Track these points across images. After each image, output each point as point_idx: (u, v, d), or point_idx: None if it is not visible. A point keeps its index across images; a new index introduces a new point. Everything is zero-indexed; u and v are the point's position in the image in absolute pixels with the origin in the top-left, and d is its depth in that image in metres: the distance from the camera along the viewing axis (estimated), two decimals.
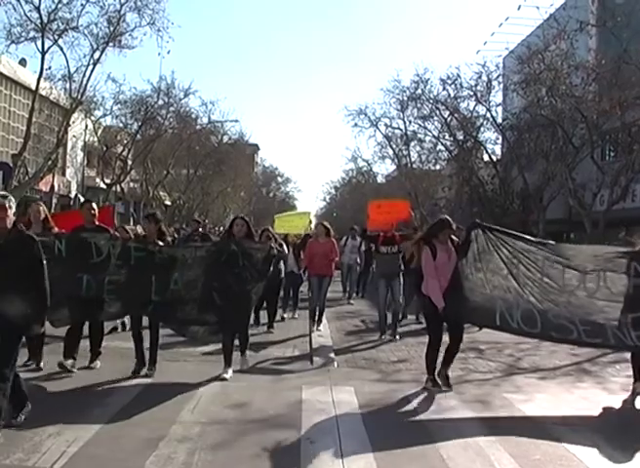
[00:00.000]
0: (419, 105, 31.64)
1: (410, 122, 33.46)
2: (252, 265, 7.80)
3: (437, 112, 31.07)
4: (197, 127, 37.69)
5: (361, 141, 75.85)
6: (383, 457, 5.25)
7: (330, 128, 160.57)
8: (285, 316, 13.30)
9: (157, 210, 38.38)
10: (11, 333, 5.16)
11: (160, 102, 33.08)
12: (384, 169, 50.36)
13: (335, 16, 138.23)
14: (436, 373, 7.54)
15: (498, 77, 28.82)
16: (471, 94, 29.03)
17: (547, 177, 25.98)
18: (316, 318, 11.90)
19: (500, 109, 30.68)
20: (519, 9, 27.61)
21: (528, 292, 7.29)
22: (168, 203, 41.49)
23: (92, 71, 25.40)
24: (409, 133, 34.29)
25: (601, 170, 22.90)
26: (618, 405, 7.20)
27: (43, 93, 25.90)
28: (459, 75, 28.76)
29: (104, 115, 32.75)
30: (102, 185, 34.81)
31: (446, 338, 7.66)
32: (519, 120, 27.62)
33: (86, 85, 25.82)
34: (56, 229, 8.10)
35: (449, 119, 30.83)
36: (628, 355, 9.29)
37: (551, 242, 8.16)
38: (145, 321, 7.98)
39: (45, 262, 5.46)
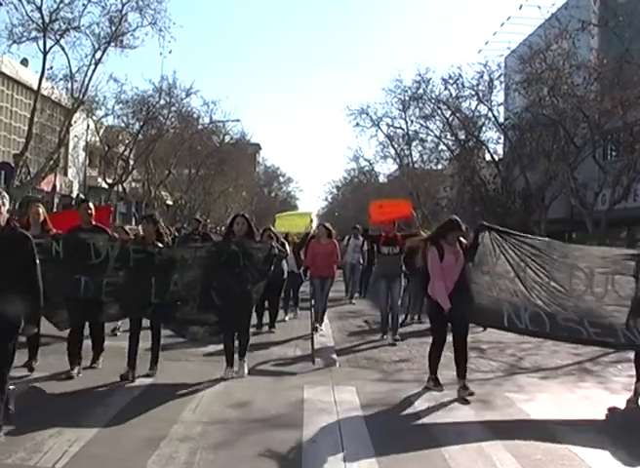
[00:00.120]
0: (420, 105, 31.68)
1: (412, 121, 33.54)
2: (252, 265, 7.70)
3: (439, 112, 31.09)
4: (199, 127, 37.76)
5: (363, 141, 75.99)
6: (385, 457, 5.25)
7: (331, 127, 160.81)
8: (287, 318, 13.18)
9: (159, 209, 38.48)
10: (3, 333, 5.06)
11: (162, 102, 33.20)
12: (386, 168, 50.49)
13: (335, 16, 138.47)
14: (459, 387, 7.25)
15: (499, 76, 28.87)
16: (473, 93, 29.07)
17: (549, 177, 25.98)
18: (318, 317, 11.82)
19: (501, 109, 30.72)
20: (521, 8, 27.62)
21: (535, 295, 7.19)
22: (170, 203, 41.53)
23: (93, 71, 25.52)
24: (411, 132, 34.36)
25: (603, 169, 22.89)
26: (620, 404, 7.18)
27: (45, 92, 25.93)
28: (460, 75, 28.83)
29: (106, 115, 32.88)
30: (104, 185, 34.86)
31: (449, 338, 7.61)
32: (521, 119, 27.64)
33: (88, 85, 25.92)
34: (54, 231, 7.99)
35: (451, 119, 30.84)
36: (630, 355, 9.29)
37: (558, 242, 8.11)
38: (145, 321, 7.91)
39: (39, 262, 5.39)
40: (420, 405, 6.93)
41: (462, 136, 31.42)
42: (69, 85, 25.88)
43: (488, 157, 32.16)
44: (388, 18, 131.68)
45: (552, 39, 23.13)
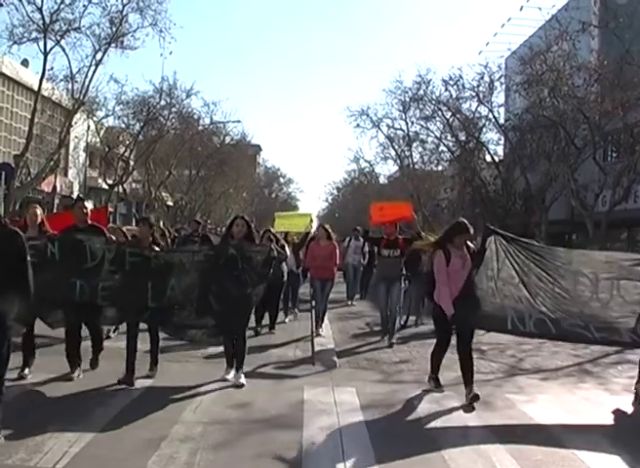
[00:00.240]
0: (421, 106, 31.71)
1: (412, 123, 33.58)
2: (251, 268, 7.53)
3: (439, 113, 31.11)
4: (199, 127, 37.77)
5: (363, 142, 75.92)
6: (385, 458, 5.24)
7: (332, 128, 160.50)
8: (287, 320, 13.12)
9: (159, 210, 38.56)
10: None
11: (162, 103, 33.19)
12: (387, 169, 50.44)
13: (335, 16, 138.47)
14: (465, 394, 7.01)
15: (500, 78, 28.88)
16: (473, 94, 29.09)
17: (550, 178, 26.00)
18: (319, 320, 11.67)
19: (502, 110, 30.75)
20: (521, 9, 27.64)
21: (540, 302, 7.12)
22: (170, 203, 41.54)
23: (94, 72, 25.56)
24: (411, 133, 34.40)
25: (603, 171, 22.91)
26: (620, 405, 7.19)
27: (45, 93, 25.95)
28: (461, 76, 28.87)
29: (107, 116, 32.90)
30: (105, 186, 34.87)
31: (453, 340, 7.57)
32: (521, 121, 27.66)
33: (88, 85, 25.96)
34: (51, 231, 7.85)
35: (451, 120, 30.86)
36: (631, 356, 9.30)
37: (561, 248, 8.09)
38: (143, 324, 7.81)
39: (32, 262, 5.37)
40: (420, 406, 6.93)
41: (463, 138, 31.45)
42: (70, 86, 25.95)
43: (488, 158, 32.18)
44: (388, 18, 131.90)
45: (553, 40, 23.16)
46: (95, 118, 32.18)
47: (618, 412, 6.95)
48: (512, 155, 29.23)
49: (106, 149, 33.66)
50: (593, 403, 7.32)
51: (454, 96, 29.70)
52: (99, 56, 24.85)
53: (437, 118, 31.69)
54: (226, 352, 7.87)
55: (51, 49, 23.39)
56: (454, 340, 7.29)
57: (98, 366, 7.96)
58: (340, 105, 64.30)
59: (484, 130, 31.22)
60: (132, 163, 34.74)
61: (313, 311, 11.93)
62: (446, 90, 29.75)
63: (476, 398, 6.77)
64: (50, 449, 5.10)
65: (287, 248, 10.88)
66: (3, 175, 22.29)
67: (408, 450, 5.50)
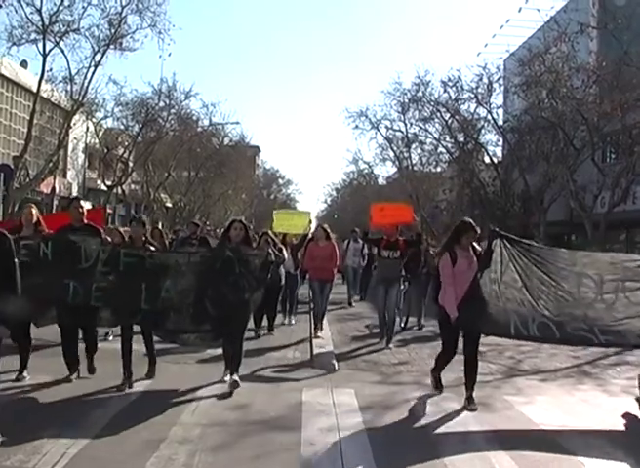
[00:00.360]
0: (419, 107, 31.66)
1: (411, 124, 33.49)
2: (249, 272, 7.35)
3: (438, 114, 31.09)
4: (198, 129, 37.74)
5: (362, 143, 76.30)
6: (384, 459, 5.25)
7: (331, 129, 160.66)
8: (285, 322, 13.07)
9: (158, 212, 38.56)
10: None
11: (161, 104, 33.20)
12: (385, 171, 50.32)
13: (335, 16, 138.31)
14: (465, 398, 7.00)
15: (498, 79, 28.87)
16: (472, 96, 29.07)
17: (548, 180, 26.00)
18: (317, 322, 11.62)
19: (500, 111, 30.73)
20: (520, 11, 27.55)
21: (542, 305, 7.07)
22: (169, 205, 41.54)
23: (93, 73, 25.55)
24: (410, 135, 34.32)
25: (602, 172, 22.92)
26: (618, 407, 7.19)
27: (44, 95, 25.96)
28: (459, 77, 28.83)
29: (105, 117, 32.88)
30: (103, 187, 34.88)
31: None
32: (520, 122, 27.65)
33: (87, 87, 25.95)
34: (47, 231, 7.77)
35: (450, 121, 30.84)
36: (630, 357, 9.32)
37: (564, 250, 8.06)
38: (137, 326, 7.76)
39: (17, 262, 5.34)
40: (418, 407, 6.94)
41: (462, 139, 31.43)
42: (69, 87, 25.95)
43: (487, 160, 32.17)
44: (388, 18, 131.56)
45: (551, 42, 23.16)
46: (94, 119, 32.18)
47: (616, 414, 6.95)
48: (511, 156, 29.23)
49: (105, 150, 33.64)
50: (592, 404, 7.33)
51: (452, 97, 29.71)
52: (97, 57, 24.88)
53: (436, 119, 31.67)
54: (225, 354, 7.76)
55: (50, 50, 23.43)
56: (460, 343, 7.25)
57: (95, 371, 7.77)
58: (340, 106, 64.57)
59: (483, 131, 31.22)
60: (131, 164, 34.73)
61: (312, 313, 11.96)
62: (445, 91, 29.75)
63: (474, 409, 6.79)
64: (48, 451, 5.09)
65: (284, 251, 10.78)
66: (2, 177, 22.29)
67: (406, 452, 5.52)
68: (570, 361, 9.66)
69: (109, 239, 8.28)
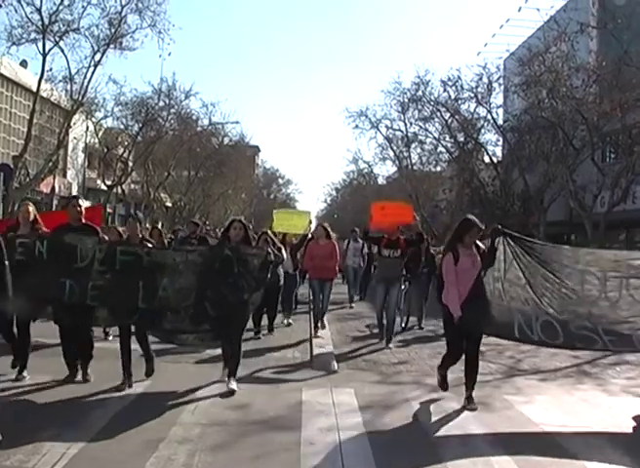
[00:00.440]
0: (419, 107, 31.70)
1: (410, 124, 33.56)
2: (248, 272, 7.24)
3: (438, 114, 31.13)
4: (198, 128, 37.75)
5: (362, 143, 76.30)
6: (383, 459, 5.25)
7: (330, 129, 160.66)
8: (284, 322, 12.96)
9: (158, 211, 38.55)
10: None
11: (161, 104, 33.22)
12: (385, 170, 50.44)
13: (335, 16, 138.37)
14: (465, 397, 6.97)
15: (498, 79, 28.93)
16: (472, 95, 29.11)
17: (548, 179, 26.02)
18: (317, 322, 11.58)
19: (500, 111, 30.77)
20: (519, 10, 27.57)
21: (546, 303, 7.00)
22: (169, 204, 41.55)
23: (93, 73, 25.55)
24: (409, 134, 34.37)
25: (601, 171, 22.93)
26: (618, 407, 7.20)
27: (44, 94, 25.96)
28: (459, 77, 28.89)
29: (105, 117, 32.89)
30: (103, 187, 34.89)
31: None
32: (520, 122, 27.67)
33: (87, 86, 25.94)
34: (45, 230, 7.67)
35: (449, 121, 30.87)
36: (629, 357, 9.32)
37: (568, 247, 8.01)
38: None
39: (7, 263, 5.32)
40: (418, 407, 6.94)
41: (461, 139, 31.46)
42: (69, 87, 25.95)
43: (487, 159, 32.20)
44: (388, 18, 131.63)
45: (551, 41, 23.17)
46: (93, 119, 32.18)
47: (615, 413, 6.95)
48: (511, 156, 29.24)
49: (105, 150, 33.64)
50: (591, 404, 7.33)
51: (452, 97, 29.75)
52: (97, 57, 24.88)
53: (436, 119, 31.72)
54: (224, 355, 7.68)
55: (50, 50, 23.42)
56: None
57: (90, 380, 7.50)
58: (340, 106, 64.54)
59: (482, 131, 31.26)
60: (130, 164, 34.72)
61: (312, 313, 11.93)
62: (444, 91, 29.80)
63: (474, 409, 6.78)
64: (47, 451, 5.10)
65: (284, 250, 10.74)
66: (2, 177, 22.31)
67: (406, 451, 5.52)
68: (569, 360, 9.66)
69: (106, 238, 8.14)
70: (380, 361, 9.42)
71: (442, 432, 6.10)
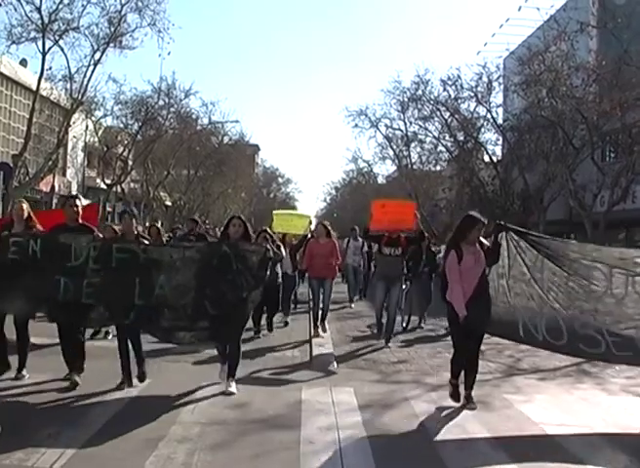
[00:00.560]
0: (419, 106, 31.73)
1: (410, 123, 33.59)
2: (247, 269, 7.08)
3: (438, 113, 31.15)
4: (198, 127, 37.73)
5: (361, 142, 76.18)
6: (383, 458, 5.26)
7: (330, 128, 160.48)
8: (287, 320, 12.84)
9: (158, 210, 38.52)
10: None
11: (161, 103, 33.16)
12: (385, 169, 50.54)
13: (335, 16, 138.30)
14: (463, 397, 6.91)
15: (498, 78, 28.96)
16: (472, 95, 29.13)
17: (548, 178, 26.03)
18: (318, 322, 11.42)
19: (500, 110, 30.80)
20: (519, 10, 27.62)
21: (552, 297, 6.91)
22: (168, 203, 41.52)
23: (92, 72, 25.53)
24: (409, 133, 34.41)
25: (601, 171, 22.93)
26: (617, 406, 7.21)
27: (44, 93, 25.95)
28: (459, 76, 28.92)
29: (105, 116, 32.84)
30: (103, 186, 34.84)
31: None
32: (519, 121, 27.68)
33: (86, 85, 25.93)
34: (40, 228, 7.62)
35: (449, 120, 30.89)
36: None
37: (574, 242, 7.93)
38: None
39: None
40: (417, 405, 6.94)
41: (461, 138, 31.48)
42: (68, 85, 25.92)
43: (487, 158, 32.22)
44: (388, 17, 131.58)
45: (551, 41, 23.18)
46: (93, 118, 32.15)
47: (615, 412, 6.96)
48: (510, 155, 29.25)
49: (105, 149, 33.61)
50: (591, 403, 7.33)
51: (452, 96, 29.76)
52: (97, 55, 24.86)
53: (435, 118, 31.74)
54: (221, 354, 7.61)
55: (49, 48, 23.40)
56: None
57: (78, 382, 7.19)
58: (340, 105, 64.46)
59: (482, 130, 31.29)
60: (130, 163, 34.69)
61: (311, 312, 11.89)
62: (444, 90, 29.83)
63: (473, 409, 6.76)
64: (47, 450, 5.10)
65: (283, 249, 10.66)
66: (1, 175, 22.30)
67: (405, 450, 5.52)
68: (569, 359, 9.61)
69: (100, 236, 7.94)
70: (380, 360, 9.42)
71: (441, 431, 6.09)
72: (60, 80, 25.90)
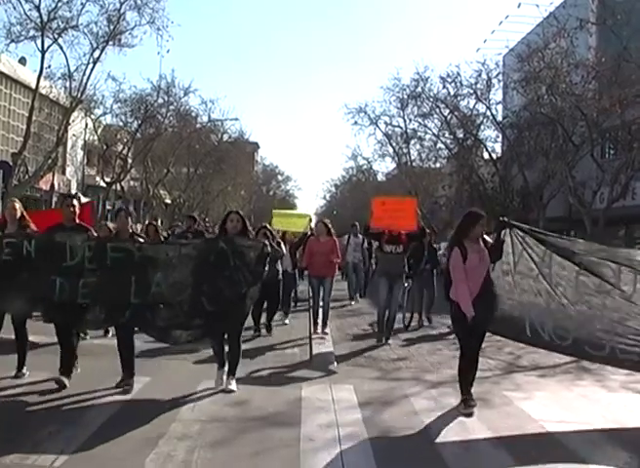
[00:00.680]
0: (419, 103, 31.72)
1: (410, 120, 33.59)
2: (244, 265, 6.94)
3: (437, 110, 31.12)
4: (197, 125, 37.74)
5: (361, 139, 76.37)
6: (383, 455, 5.26)
7: (330, 126, 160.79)
8: (286, 321, 12.73)
9: (157, 208, 38.52)
10: None
11: (160, 101, 33.18)
12: (385, 167, 50.60)
13: (335, 15, 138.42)
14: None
15: (498, 75, 28.92)
16: (471, 92, 29.11)
17: (547, 175, 26.03)
18: (319, 321, 11.36)
19: (500, 107, 30.81)
20: (519, 7, 27.69)
21: (560, 292, 6.79)
22: (168, 201, 41.53)
23: (92, 70, 25.57)
24: (409, 131, 34.40)
25: (601, 168, 22.93)
26: (617, 403, 7.22)
27: (43, 91, 25.96)
28: (459, 73, 28.90)
29: (104, 114, 32.89)
30: (102, 184, 34.87)
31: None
32: (519, 118, 27.67)
33: (86, 83, 25.97)
34: (33, 227, 7.53)
35: (449, 117, 30.87)
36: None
37: (581, 241, 7.87)
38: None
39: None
40: (417, 402, 6.94)
41: (461, 135, 31.45)
42: (67, 84, 25.96)
43: (486, 155, 32.21)
44: (388, 17, 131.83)
45: (550, 38, 23.15)
46: (92, 116, 32.16)
47: (614, 409, 6.96)
48: (510, 152, 29.25)
49: (104, 147, 33.64)
50: (590, 400, 7.34)
51: (451, 93, 29.73)
52: (96, 54, 24.90)
53: (435, 115, 31.72)
54: (216, 355, 7.46)
55: (48, 47, 23.42)
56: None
57: (67, 384, 7.02)
58: (339, 104, 64.47)
59: (482, 127, 31.29)
60: (130, 161, 34.71)
61: (311, 311, 11.87)
62: (444, 87, 29.80)
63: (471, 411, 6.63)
64: (47, 448, 5.10)
65: (283, 246, 10.60)
66: (1, 174, 22.27)
67: (405, 448, 5.53)
68: (569, 357, 9.65)
69: (94, 234, 7.88)
70: (380, 357, 9.43)
71: (441, 428, 6.09)
72: (59, 78, 26.00)
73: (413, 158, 36.22)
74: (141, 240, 7.54)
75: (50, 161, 25.97)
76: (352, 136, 73.63)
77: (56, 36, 23.43)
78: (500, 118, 30.26)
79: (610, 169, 22.79)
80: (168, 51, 31.03)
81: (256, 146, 61.70)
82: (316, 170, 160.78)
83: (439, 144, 33.89)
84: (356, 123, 34.96)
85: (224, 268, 6.95)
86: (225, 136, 41.50)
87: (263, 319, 11.43)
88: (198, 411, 6.33)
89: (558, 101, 23.39)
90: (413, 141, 35.29)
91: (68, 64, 25.10)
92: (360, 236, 16.87)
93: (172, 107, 34.05)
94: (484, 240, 6.85)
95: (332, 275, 11.76)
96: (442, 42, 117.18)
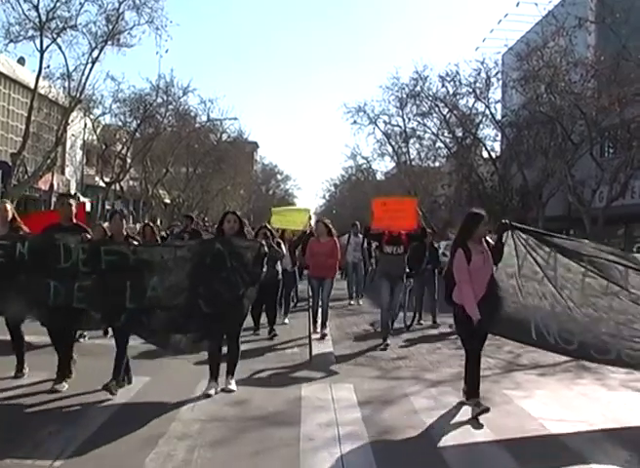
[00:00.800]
0: (418, 102, 31.73)
1: (409, 119, 33.62)
2: (242, 266, 6.85)
3: (436, 109, 31.14)
4: (196, 125, 37.77)
5: (360, 139, 75.92)
6: (383, 454, 5.26)
7: (329, 126, 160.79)
8: (286, 321, 12.57)
9: (157, 208, 38.51)
10: None
11: (159, 101, 33.22)
12: (384, 166, 50.40)
13: (335, 15, 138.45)
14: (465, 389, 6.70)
15: (497, 74, 28.93)
16: (470, 91, 29.13)
17: (547, 174, 26.04)
18: (319, 321, 11.23)
19: (499, 106, 30.82)
20: (518, 6, 27.64)
21: (566, 295, 6.70)
22: (167, 201, 41.54)
23: (90, 70, 25.60)
24: (408, 130, 34.41)
25: (600, 166, 22.94)
26: (617, 401, 7.21)
27: (42, 91, 25.97)
28: (457, 72, 28.92)
29: (103, 113, 32.92)
30: (102, 184, 34.87)
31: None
32: (518, 117, 27.67)
33: (85, 83, 25.99)
34: (25, 229, 7.41)
35: (448, 116, 30.88)
36: None
37: (587, 241, 7.80)
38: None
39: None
40: (417, 401, 6.94)
41: (460, 134, 31.47)
42: (66, 84, 25.98)
43: (485, 154, 32.25)
44: (388, 17, 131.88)
45: (549, 36, 23.16)
46: (91, 116, 32.16)
47: (614, 408, 6.96)
48: (509, 151, 29.26)
49: (103, 147, 33.64)
50: (590, 398, 7.34)
51: (450, 92, 29.76)
52: (95, 53, 24.94)
53: (434, 114, 31.74)
54: (211, 360, 7.17)
55: (47, 47, 23.43)
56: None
57: (61, 389, 6.93)
58: (338, 104, 64.34)
59: (481, 126, 31.32)
60: (129, 160, 34.72)
61: (311, 310, 11.84)
62: (443, 86, 29.83)
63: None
64: (48, 447, 5.10)
65: (283, 245, 10.55)
66: (0, 174, 22.29)
67: (405, 446, 5.53)
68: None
69: (88, 236, 7.55)
70: (380, 356, 9.42)
71: (441, 427, 6.09)
72: (58, 78, 26.04)
73: (412, 157, 36.25)
74: (136, 243, 7.41)
75: (49, 161, 25.98)
76: (351, 135, 73.58)
77: (54, 36, 23.46)
78: (499, 117, 30.31)
79: (609, 167, 22.80)
80: (167, 50, 31.26)
81: (255, 146, 61.73)
82: (315, 169, 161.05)
83: (438, 143, 33.94)
84: (355, 122, 35.02)
85: (221, 270, 6.86)
86: (225, 136, 41.57)
87: (263, 319, 11.34)
88: (198, 411, 6.32)
89: (557, 100, 23.39)
90: (412, 140, 35.34)
91: (67, 64, 25.17)
92: (360, 235, 16.83)
93: (171, 107, 34.11)
94: (487, 241, 6.78)
95: (332, 276, 11.68)
96: (441, 41, 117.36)
